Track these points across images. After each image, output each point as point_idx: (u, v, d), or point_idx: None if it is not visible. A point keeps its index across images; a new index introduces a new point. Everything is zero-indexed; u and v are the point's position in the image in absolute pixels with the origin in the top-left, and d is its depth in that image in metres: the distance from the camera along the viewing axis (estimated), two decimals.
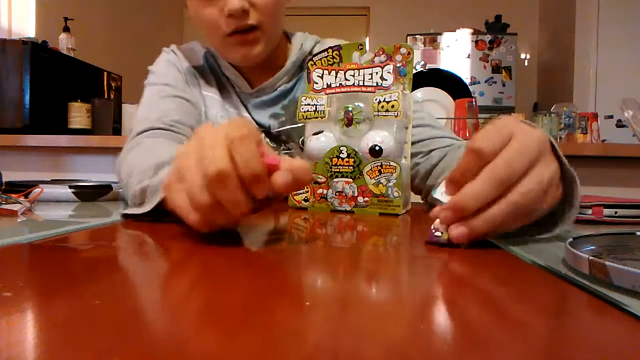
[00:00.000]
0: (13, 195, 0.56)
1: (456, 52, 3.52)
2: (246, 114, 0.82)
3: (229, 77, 0.82)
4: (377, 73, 0.61)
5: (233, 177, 0.31)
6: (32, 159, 1.78)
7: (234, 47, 0.73)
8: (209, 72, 0.83)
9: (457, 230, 0.34)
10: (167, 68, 0.82)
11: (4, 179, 0.75)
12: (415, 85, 1.71)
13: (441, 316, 0.20)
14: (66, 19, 2.40)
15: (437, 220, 0.36)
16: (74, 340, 0.16)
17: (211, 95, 0.82)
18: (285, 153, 0.77)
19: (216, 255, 0.32)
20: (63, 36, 2.34)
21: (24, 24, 2.57)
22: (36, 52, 1.84)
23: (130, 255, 0.31)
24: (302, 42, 0.82)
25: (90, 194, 0.69)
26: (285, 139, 0.82)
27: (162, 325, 0.18)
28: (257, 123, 0.81)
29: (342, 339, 0.17)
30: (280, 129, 0.80)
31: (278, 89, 0.80)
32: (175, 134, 0.72)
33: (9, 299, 0.21)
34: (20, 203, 0.53)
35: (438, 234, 0.36)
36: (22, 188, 0.62)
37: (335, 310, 0.21)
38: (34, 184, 0.65)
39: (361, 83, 0.62)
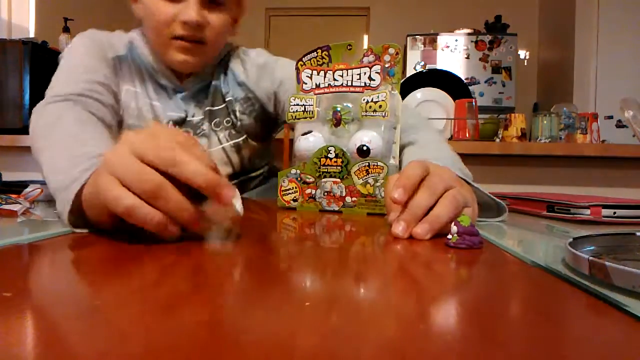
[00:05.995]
0: (13, 196, 0.56)
1: (456, 53, 3.52)
2: (170, 102, 0.82)
3: (158, 71, 0.80)
4: (365, 73, 0.61)
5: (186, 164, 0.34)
6: (32, 159, 1.78)
7: (177, 50, 0.74)
8: (131, 63, 0.81)
9: (420, 228, 0.41)
10: (90, 54, 0.78)
11: (4, 179, 0.75)
12: (415, 86, 1.71)
13: (440, 316, 0.20)
14: (66, 19, 2.40)
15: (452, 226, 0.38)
16: (74, 341, 0.16)
17: (132, 89, 0.80)
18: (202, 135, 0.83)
19: (213, 257, 0.32)
20: (63, 36, 2.33)
21: (24, 24, 2.57)
22: (36, 52, 1.84)
23: (130, 255, 0.31)
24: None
25: None
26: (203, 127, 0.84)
27: (161, 325, 0.18)
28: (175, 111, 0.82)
29: (340, 339, 0.17)
30: None
31: (202, 82, 0.82)
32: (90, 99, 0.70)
33: (9, 299, 0.21)
34: (20, 203, 0.53)
35: (449, 236, 0.37)
36: (17, 188, 0.62)
37: (326, 311, 0.21)
38: (27, 184, 0.65)
39: (349, 83, 0.62)
